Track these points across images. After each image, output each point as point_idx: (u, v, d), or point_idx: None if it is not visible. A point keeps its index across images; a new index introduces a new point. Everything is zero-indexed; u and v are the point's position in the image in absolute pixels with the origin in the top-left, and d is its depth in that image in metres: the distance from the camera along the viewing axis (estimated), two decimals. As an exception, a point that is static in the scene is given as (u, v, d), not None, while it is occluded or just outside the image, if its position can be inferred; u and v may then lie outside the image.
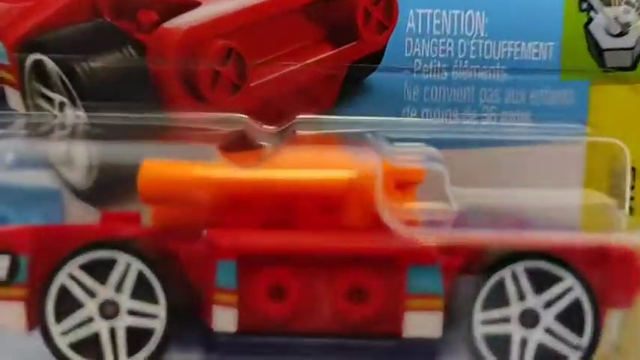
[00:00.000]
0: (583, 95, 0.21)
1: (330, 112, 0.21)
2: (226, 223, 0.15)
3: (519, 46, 0.21)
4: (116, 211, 0.17)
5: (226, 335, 0.14)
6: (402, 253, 0.14)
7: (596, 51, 0.21)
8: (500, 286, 0.14)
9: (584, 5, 0.20)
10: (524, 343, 0.14)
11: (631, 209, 0.21)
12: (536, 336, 0.14)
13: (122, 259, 0.14)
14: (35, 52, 0.20)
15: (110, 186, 0.20)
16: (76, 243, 0.14)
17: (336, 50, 0.21)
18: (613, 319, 0.16)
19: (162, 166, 0.16)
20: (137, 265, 0.14)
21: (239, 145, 0.18)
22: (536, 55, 0.21)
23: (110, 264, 0.14)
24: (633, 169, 0.21)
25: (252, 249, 0.14)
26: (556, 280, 0.14)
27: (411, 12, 0.20)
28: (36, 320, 0.14)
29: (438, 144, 0.20)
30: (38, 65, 0.21)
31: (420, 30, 0.20)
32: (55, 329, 0.14)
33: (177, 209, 0.16)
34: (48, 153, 0.20)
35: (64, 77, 0.21)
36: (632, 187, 0.21)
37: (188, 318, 0.14)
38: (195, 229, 0.15)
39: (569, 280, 0.14)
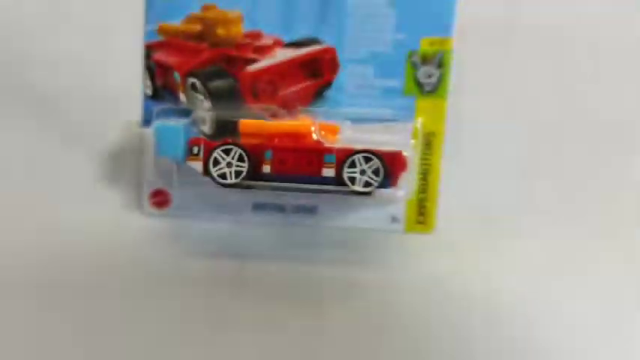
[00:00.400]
0: (413, 103, 0.50)
1: (308, 106, 0.50)
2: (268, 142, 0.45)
3: (386, 80, 0.50)
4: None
5: (268, 174, 0.44)
6: (321, 148, 0.44)
7: (418, 84, 0.49)
8: (354, 161, 0.44)
9: (414, 65, 0.49)
10: (360, 180, 0.44)
11: (432, 149, 0.50)
12: (364, 178, 0.44)
13: (235, 148, 0.44)
14: (192, 77, 0.50)
15: (221, 133, 0.50)
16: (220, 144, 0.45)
17: (313, 81, 0.50)
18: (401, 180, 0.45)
19: (248, 121, 0.46)
20: (239, 150, 0.44)
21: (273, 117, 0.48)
22: (393, 85, 0.50)
23: (230, 150, 0.45)
24: (433, 133, 0.50)
25: (276, 147, 0.44)
26: (371, 159, 0.44)
27: (344, 65, 0.50)
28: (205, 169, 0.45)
29: (355, 118, 0.49)
30: (193, 84, 0.51)
31: (347, 73, 0.50)
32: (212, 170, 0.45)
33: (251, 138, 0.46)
34: (197, 118, 0.50)
35: (204, 88, 0.50)
36: (432, 141, 0.50)
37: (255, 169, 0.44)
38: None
39: (376, 161, 0.44)
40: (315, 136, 0.45)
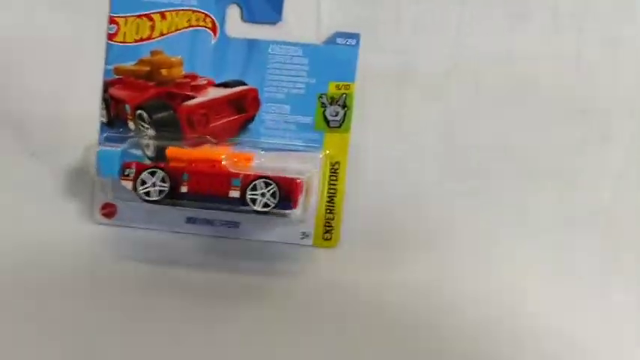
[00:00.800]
0: (321, 136, 0.59)
1: (234, 137, 0.60)
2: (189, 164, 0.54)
3: (300, 117, 0.59)
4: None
5: (184, 193, 0.53)
6: (229, 173, 0.53)
7: (326, 120, 0.59)
8: (255, 185, 0.53)
9: (323, 105, 0.59)
10: (259, 201, 0.52)
11: (337, 176, 0.59)
12: (264, 200, 0.52)
13: (159, 171, 0.53)
14: (140, 109, 0.60)
15: (159, 157, 0.59)
16: (147, 167, 0.54)
17: (239, 116, 0.60)
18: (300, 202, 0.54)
19: (174, 149, 0.55)
20: (162, 173, 0.53)
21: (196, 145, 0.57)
22: (306, 121, 0.59)
23: (155, 172, 0.54)
24: (338, 162, 0.59)
25: (192, 170, 0.53)
26: (270, 184, 0.52)
27: (265, 104, 0.59)
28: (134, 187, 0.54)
29: (269, 149, 0.59)
30: (140, 114, 0.60)
31: (267, 110, 0.59)
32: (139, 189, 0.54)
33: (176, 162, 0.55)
34: (143, 144, 0.59)
35: (149, 119, 0.60)
36: (338, 169, 0.59)
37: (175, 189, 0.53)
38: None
39: (274, 185, 0.52)
40: (224, 163, 0.54)
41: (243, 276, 0.59)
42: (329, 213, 0.59)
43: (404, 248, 0.58)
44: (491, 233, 0.57)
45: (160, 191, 0.54)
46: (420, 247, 0.58)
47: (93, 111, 0.61)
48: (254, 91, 0.59)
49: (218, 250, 0.60)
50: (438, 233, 0.58)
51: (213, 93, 0.60)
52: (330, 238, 0.59)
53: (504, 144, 0.57)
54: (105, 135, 0.60)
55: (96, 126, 0.61)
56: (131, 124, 0.61)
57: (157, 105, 0.60)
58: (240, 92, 0.59)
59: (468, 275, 0.57)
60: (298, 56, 0.59)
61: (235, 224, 0.59)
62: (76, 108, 0.61)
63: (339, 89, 0.58)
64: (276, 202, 0.52)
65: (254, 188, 0.52)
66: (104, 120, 0.61)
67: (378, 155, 0.59)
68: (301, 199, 0.53)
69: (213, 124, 0.59)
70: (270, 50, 0.59)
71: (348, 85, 0.58)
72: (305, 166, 0.57)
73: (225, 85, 0.60)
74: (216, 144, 0.59)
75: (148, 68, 0.60)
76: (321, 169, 0.58)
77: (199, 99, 0.59)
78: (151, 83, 0.60)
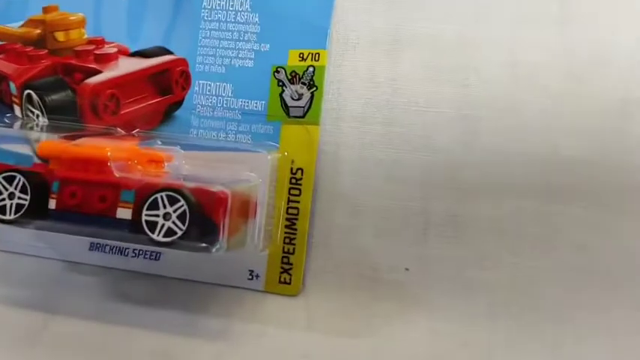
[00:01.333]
0: (277, 130, 0.40)
1: (155, 129, 0.41)
2: (67, 168, 0.36)
3: (247, 101, 0.40)
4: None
5: (53, 210, 0.35)
6: (117, 182, 0.34)
7: (284, 106, 0.40)
8: (156, 201, 0.34)
9: (280, 83, 0.40)
10: (161, 226, 0.34)
11: (300, 190, 0.40)
12: (168, 224, 0.34)
13: (18, 176, 0.36)
14: (28, 89, 0.43)
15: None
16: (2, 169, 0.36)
17: (161, 98, 0.41)
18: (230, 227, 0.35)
19: (47, 143, 0.37)
20: (22, 179, 0.35)
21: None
22: (255, 106, 0.40)
23: (14, 178, 0.36)
24: (302, 169, 0.40)
25: (65, 177, 0.35)
26: (177, 200, 0.34)
27: (197, 82, 0.41)
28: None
29: (196, 147, 0.40)
30: (29, 96, 0.43)
31: (200, 91, 0.41)
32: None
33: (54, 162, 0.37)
34: (29, 136, 0.42)
35: (40, 102, 0.43)
36: (301, 179, 0.40)
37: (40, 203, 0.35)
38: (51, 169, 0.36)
39: (183, 203, 0.34)
40: (110, 165, 0.35)
41: (161, 336, 0.40)
42: (288, 243, 0.39)
43: (395, 298, 0.38)
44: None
45: (18, 206, 0.36)
46: (418, 298, 0.38)
47: (-32, 91, 0.44)
48: (182, 62, 0.41)
49: (128, 293, 0.41)
50: (442, 277, 0.38)
51: (127, 66, 0.42)
52: (290, 282, 0.40)
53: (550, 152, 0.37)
54: (-21, 125, 0.43)
55: (-28, 112, 0.44)
56: (17, 109, 0.43)
57: (49, 83, 0.42)
58: (163, 65, 0.41)
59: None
60: (245, 11, 0.40)
61: (155, 255, 0.41)
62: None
63: (304, 60, 0.39)
64: (185, 228, 0.33)
65: (153, 206, 0.34)
66: (-18, 104, 0.44)
67: (360, 159, 0.39)
68: (227, 222, 0.34)
69: (126, 111, 0.41)
70: (205, 3, 0.41)
71: (317, 55, 0.39)
72: (248, 174, 0.38)
73: (142, 54, 0.42)
74: (128, 137, 0.40)
75: (38, 31, 0.43)
76: (275, 177, 0.39)
77: (107, 74, 0.41)
78: (43, 52, 0.43)
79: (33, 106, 0.43)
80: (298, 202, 0.39)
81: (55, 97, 0.42)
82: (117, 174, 0.35)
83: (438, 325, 0.38)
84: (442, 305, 0.38)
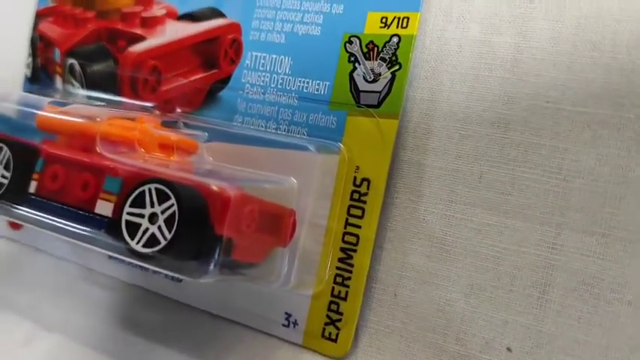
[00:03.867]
0: (342, 122, 0.28)
1: (195, 111, 0.32)
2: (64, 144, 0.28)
3: (308, 82, 0.29)
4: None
5: (32, 195, 0.27)
6: (104, 167, 0.25)
7: (355, 89, 0.28)
8: (142, 195, 0.24)
9: (352, 58, 0.28)
10: (143, 231, 0.24)
11: (363, 210, 0.28)
12: (152, 228, 0.24)
13: (5, 148, 0.28)
14: (71, 57, 0.36)
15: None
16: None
17: (206, 74, 0.32)
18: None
19: (46, 115, 0.30)
20: (8, 153, 0.28)
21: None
22: (317, 89, 0.29)
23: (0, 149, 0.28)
24: (368, 180, 0.28)
25: (50, 154, 0.27)
26: (168, 197, 0.24)
27: (250, 54, 0.31)
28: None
29: (238, 138, 0.30)
30: (72, 66, 0.36)
31: (252, 65, 0.31)
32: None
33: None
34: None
35: (81, 73, 0.36)
36: (366, 194, 0.28)
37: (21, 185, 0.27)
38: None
39: (173, 201, 0.23)
40: (97, 143, 0.26)
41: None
42: (340, 284, 0.28)
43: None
44: None
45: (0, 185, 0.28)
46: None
47: (18, 57, 0.38)
48: (235, 28, 0.31)
49: (141, 321, 0.32)
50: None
51: (173, 31, 0.33)
52: (336, 338, 0.28)
53: None
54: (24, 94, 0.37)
55: (20, 80, 0.38)
56: (58, 80, 0.37)
57: (92, 51, 0.35)
58: (212, 31, 0.32)
59: None
60: (316, -40, 0.30)
61: (178, 277, 0.32)
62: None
63: (386, 27, 0.28)
64: (171, 236, 0.23)
65: (138, 202, 0.24)
66: (28, 73, 0.38)
67: (454, 175, 0.27)
68: (236, 236, 0.23)
69: (166, 87, 0.33)
70: (267, -49, 0.31)
71: (406, 19, 0.27)
72: (280, 176, 0.27)
73: (191, 17, 0.33)
74: (153, 114, 0.32)
75: (89, -11, 0.36)
76: (330, 188, 0.28)
77: (151, 42, 0.33)
78: (91, 14, 0.36)
79: (74, 78, 0.36)
80: (359, 226, 0.28)
81: (96, 67, 0.35)
82: (104, 155, 0.26)
83: None
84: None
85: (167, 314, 0.32)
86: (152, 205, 0.24)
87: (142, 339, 0.32)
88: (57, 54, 0.37)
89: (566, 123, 0.25)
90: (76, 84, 0.36)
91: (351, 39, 0.28)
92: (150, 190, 0.24)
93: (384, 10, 0.28)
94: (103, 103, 0.33)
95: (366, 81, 0.28)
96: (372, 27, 0.28)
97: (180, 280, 0.32)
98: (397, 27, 0.27)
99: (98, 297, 0.33)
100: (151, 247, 0.23)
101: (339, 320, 0.28)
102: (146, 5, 0.34)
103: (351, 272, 0.28)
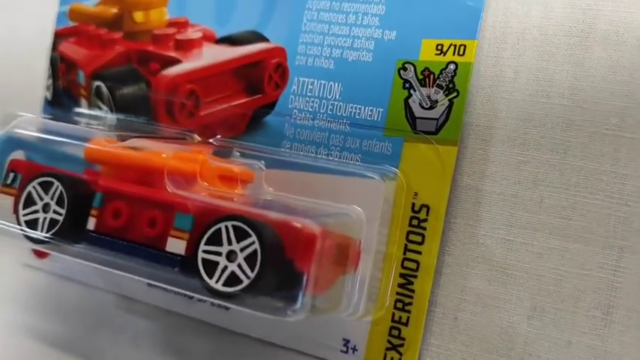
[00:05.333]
0: (398, 149, 0.29)
1: (238, 137, 0.32)
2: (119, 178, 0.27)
3: (360, 108, 0.29)
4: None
5: (91, 232, 0.26)
6: (174, 203, 0.25)
7: (410, 116, 0.28)
8: (219, 233, 0.24)
9: (407, 85, 0.29)
10: (222, 269, 0.24)
11: (423, 236, 0.28)
12: (231, 267, 0.24)
13: (56, 183, 0.27)
14: (98, 80, 0.35)
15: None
16: (39, 172, 0.28)
17: (249, 99, 0.32)
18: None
19: (96, 145, 0.29)
20: (60, 188, 0.27)
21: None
22: (370, 115, 0.29)
23: (51, 185, 0.27)
24: (427, 207, 0.28)
25: (110, 189, 0.26)
26: (248, 235, 0.23)
27: (296, 79, 0.31)
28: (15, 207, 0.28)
29: (293, 165, 0.30)
30: (98, 88, 0.35)
31: (299, 91, 0.31)
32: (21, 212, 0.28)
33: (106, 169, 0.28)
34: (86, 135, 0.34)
35: (109, 96, 0.35)
36: (425, 220, 0.28)
37: (77, 221, 0.26)
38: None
39: (254, 238, 0.23)
40: (166, 178, 0.26)
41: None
42: (400, 309, 0.28)
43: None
44: None
45: (53, 222, 0.27)
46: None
47: (35, 78, 0.37)
48: (279, 52, 0.31)
49: (187, 349, 0.32)
50: None
51: (211, 55, 0.32)
52: (398, 361, 0.28)
53: None
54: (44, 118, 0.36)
55: (38, 102, 0.37)
56: (84, 103, 0.35)
57: (122, 74, 0.34)
58: (255, 55, 0.32)
59: None
60: (366, -14, 0.30)
61: (224, 305, 0.31)
62: (17, 74, 0.38)
63: (442, 54, 0.28)
64: (253, 275, 0.23)
65: (214, 239, 0.24)
66: (49, 96, 0.37)
67: (514, 200, 0.27)
68: (315, 272, 0.23)
69: (205, 112, 0.32)
70: (313, -24, 0.31)
71: (462, 47, 0.28)
72: (349, 207, 0.27)
73: (231, 40, 0.32)
74: (203, 144, 0.31)
75: (115, 10, 0.35)
76: (388, 214, 0.28)
77: (187, 65, 0.33)
78: (117, 35, 0.35)
79: (102, 101, 0.35)
80: (419, 252, 0.28)
81: (126, 90, 0.34)
82: (172, 190, 0.25)
83: None
84: None
85: (216, 342, 0.31)
86: (229, 243, 0.24)
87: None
88: (81, 76, 0.36)
89: (626, 149, 0.26)
90: (104, 107, 0.35)
91: (405, 65, 0.28)
92: (227, 227, 0.24)
93: (440, 37, 0.28)
94: (145, 133, 0.32)
95: (423, 108, 0.28)
96: (427, 54, 0.28)
97: (227, 308, 0.32)
98: (454, 54, 0.28)
99: (142, 326, 0.33)
100: (233, 285, 0.23)
101: (402, 345, 0.28)
102: (180, 27, 0.33)
103: (411, 297, 0.28)
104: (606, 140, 0.26)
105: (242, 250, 0.23)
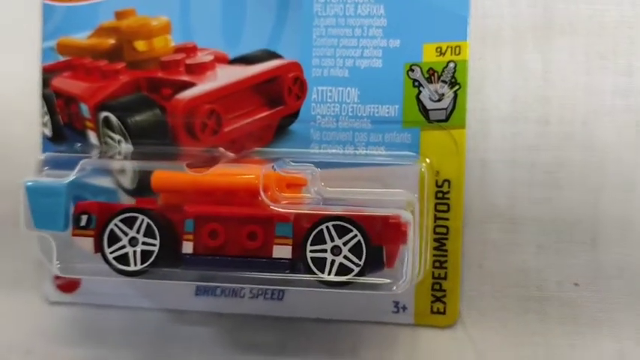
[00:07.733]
0: (416, 137, 0.34)
1: (267, 146, 0.35)
2: (194, 203, 0.30)
3: (378, 107, 0.35)
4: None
5: (189, 255, 0.29)
6: (271, 215, 0.29)
7: (423, 109, 0.34)
8: (321, 233, 0.28)
9: (416, 83, 0.34)
10: (331, 263, 0.29)
11: (448, 205, 0.35)
12: (339, 259, 0.28)
13: (140, 217, 0.29)
14: (105, 111, 0.36)
15: (144, 186, 0.35)
16: (115, 209, 0.30)
17: (271, 111, 0.35)
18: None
19: (164, 173, 0.31)
20: (147, 220, 0.29)
21: (205, 164, 0.32)
22: (388, 112, 0.35)
23: (134, 219, 0.29)
24: (449, 181, 0.35)
25: (202, 213, 0.29)
26: (349, 230, 0.28)
27: (315, 88, 0.35)
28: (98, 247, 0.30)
29: (326, 165, 0.34)
30: (107, 119, 0.36)
31: (319, 99, 0.35)
32: (107, 250, 0.29)
33: (171, 196, 0.31)
34: (111, 167, 0.35)
35: (121, 125, 0.36)
36: (448, 192, 0.35)
37: (171, 248, 0.29)
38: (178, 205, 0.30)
39: (355, 232, 0.28)
40: (262, 196, 0.29)
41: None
42: (438, 267, 0.34)
43: (569, 319, 0.34)
44: None
45: (146, 253, 0.29)
46: (595, 316, 0.34)
47: (30, 117, 0.37)
48: (295, 67, 0.35)
49: (254, 341, 0.35)
50: (619, 290, 0.34)
51: (226, 75, 0.35)
52: (444, 311, 0.34)
53: None
54: (46, 155, 0.36)
55: (36, 141, 0.37)
56: (92, 135, 0.36)
57: (131, 102, 0.36)
58: (272, 71, 0.35)
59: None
60: (367, 2, 0.34)
61: (278, 294, 0.35)
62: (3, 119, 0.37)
63: (442, 55, 0.34)
64: (362, 262, 0.28)
65: (319, 239, 0.28)
66: (48, 132, 0.37)
67: (512, 164, 0.34)
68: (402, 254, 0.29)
69: (229, 128, 0.35)
70: (317, -5, 0.35)
71: (458, 48, 0.34)
72: (401, 192, 0.32)
73: (245, 60, 0.35)
74: (237, 159, 0.34)
75: (112, 41, 0.36)
76: (416, 189, 0.33)
77: (202, 87, 0.35)
78: (120, 65, 0.36)
79: (113, 131, 0.36)
80: (447, 219, 0.34)
81: (139, 117, 0.36)
82: (267, 204, 0.29)
83: (627, 346, 0.33)
84: (627, 322, 0.33)
85: (281, 330, 0.35)
86: (332, 240, 0.28)
87: (261, 355, 0.35)
88: (84, 109, 0.36)
89: (592, 111, 0.34)
90: (117, 137, 0.36)
91: (412, 67, 0.34)
92: (328, 227, 0.28)
93: (438, 41, 0.34)
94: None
95: (432, 101, 0.34)
96: (429, 56, 0.34)
97: (281, 298, 0.35)
98: (452, 54, 0.34)
99: (204, 333, 0.35)
100: (346, 274, 0.28)
101: (444, 296, 0.34)
102: (189, 52, 0.36)
103: (446, 256, 0.34)
104: (576, 109, 0.34)
105: (345, 244, 0.28)
